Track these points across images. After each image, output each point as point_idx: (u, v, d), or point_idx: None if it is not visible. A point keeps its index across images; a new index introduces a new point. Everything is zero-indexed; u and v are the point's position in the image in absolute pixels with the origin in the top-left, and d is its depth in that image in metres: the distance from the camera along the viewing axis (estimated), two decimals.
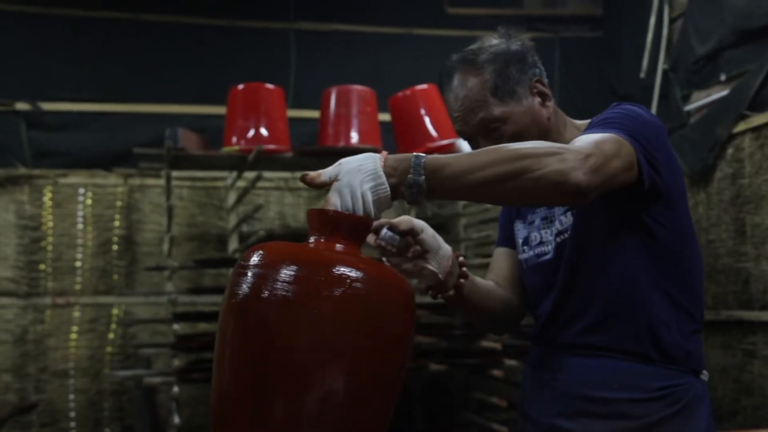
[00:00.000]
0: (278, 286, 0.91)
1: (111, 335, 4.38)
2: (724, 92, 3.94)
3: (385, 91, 3.97)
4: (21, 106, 4.45)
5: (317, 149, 3.71)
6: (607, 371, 1.21)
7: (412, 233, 1.14)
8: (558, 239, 1.27)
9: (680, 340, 1.22)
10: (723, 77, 3.97)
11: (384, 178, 0.98)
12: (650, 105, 4.49)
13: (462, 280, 1.23)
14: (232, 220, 4.31)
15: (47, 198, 4.41)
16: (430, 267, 1.15)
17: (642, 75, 4.61)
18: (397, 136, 4.00)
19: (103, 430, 4.31)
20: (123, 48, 4.65)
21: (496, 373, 3.70)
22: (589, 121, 1.28)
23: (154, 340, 4.21)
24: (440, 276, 1.17)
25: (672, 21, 4.53)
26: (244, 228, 4.38)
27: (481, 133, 1.25)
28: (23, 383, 4.25)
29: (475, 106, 1.25)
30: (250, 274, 0.95)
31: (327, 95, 3.82)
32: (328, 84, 3.90)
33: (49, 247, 4.37)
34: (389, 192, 0.99)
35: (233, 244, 4.30)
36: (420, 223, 1.15)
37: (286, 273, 0.91)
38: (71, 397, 4.29)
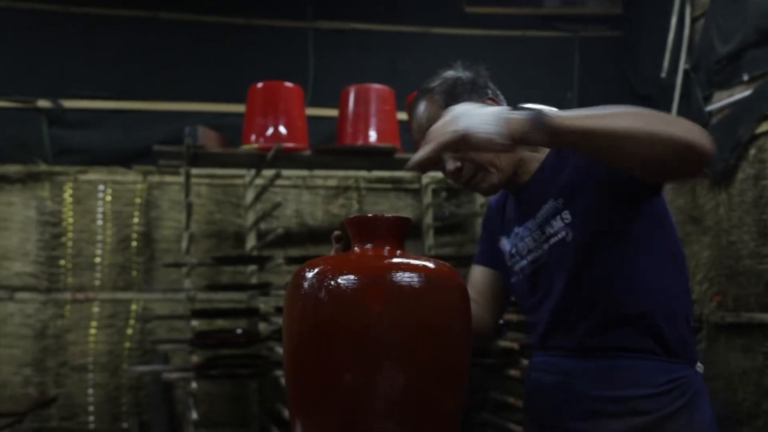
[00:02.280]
0: (337, 296, 0.94)
1: (129, 331, 4.42)
2: (747, 92, 3.89)
3: (403, 90, 3.97)
4: (42, 103, 4.49)
5: (336, 148, 3.72)
6: (616, 370, 1.24)
7: None
8: (552, 241, 1.28)
9: (680, 333, 1.26)
10: (746, 77, 3.92)
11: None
12: (671, 105, 4.45)
13: None
14: (250, 217, 4.33)
15: (68, 194, 4.45)
16: None
17: (663, 75, 4.57)
18: None
19: (120, 424, 4.34)
20: (143, 46, 4.68)
21: (513, 372, 3.69)
22: None
23: (171, 336, 4.24)
24: None
25: (693, 20, 4.49)
26: (262, 226, 4.40)
27: (445, 158, 1.30)
28: (43, 377, 4.29)
29: (431, 125, 1.25)
30: (307, 285, 0.98)
31: (345, 94, 3.82)
32: (347, 83, 3.90)
33: (69, 243, 4.41)
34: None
35: (251, 242, 4.32)
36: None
37: (345, 285, 0.94)
38: (90, 391, 4.33)
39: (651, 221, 1.25)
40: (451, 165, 1.29)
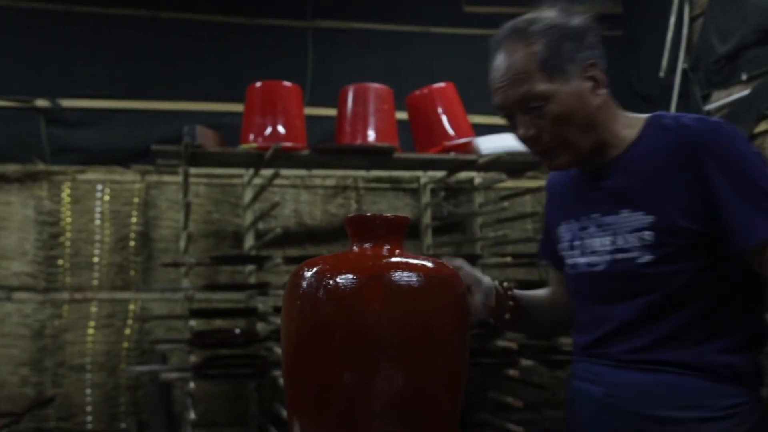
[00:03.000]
0: (336, 295, 0.93)
1: (127, 330, 4.41)
2: (745, 92, 3.89)
3: (402, 90, 3.96)
4: (41, 102, 4.48)
5: (334, 147, 3.71)
6: (672, 389, 1.12)
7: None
8: (617, 256, 1.16)
9: (747, 357, 1.14)
10: (744, 77, 3.93)
11: None
12: (669, 104, 4.45)
13: (511, 303, 1.25)
14: (249, 217, 4.33)
15: (66, 194, 4.44)
16: (477, 299, 1.17)
17: (662, 74, 4.57)
18: (415, 134, 3.99)
19: (119, 424, 4.33)
20: (142, 45, 4.67)
21: (512, 372, 3.68)
22: (645, 117, 1.21)
23: (170, 335, 4.24)
24: (490, 305, 1.19)
25: (692, 20, 4.49)
26: (260, 225, 4.39)
27: (522, 108, 1.16)
28: (41, 377, 4.28)
29: (519, 78, 1.15)
30: (305, 284, 0.97)
31: (344, 93, 3.82)
32: (346, 82, 3.90)
33: (67, 243, 4.40)
34: None
35: (249, 242, 4.31)
36: (457, 262, 1.16)
37: (343, 284, 0.93)
38: (88, 391, 4.32)
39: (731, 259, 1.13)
40: (525, 131, 1.16)
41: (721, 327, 1.13)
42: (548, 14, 1.19)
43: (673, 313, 1.13)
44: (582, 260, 1.23)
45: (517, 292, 1.30)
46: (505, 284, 1.26)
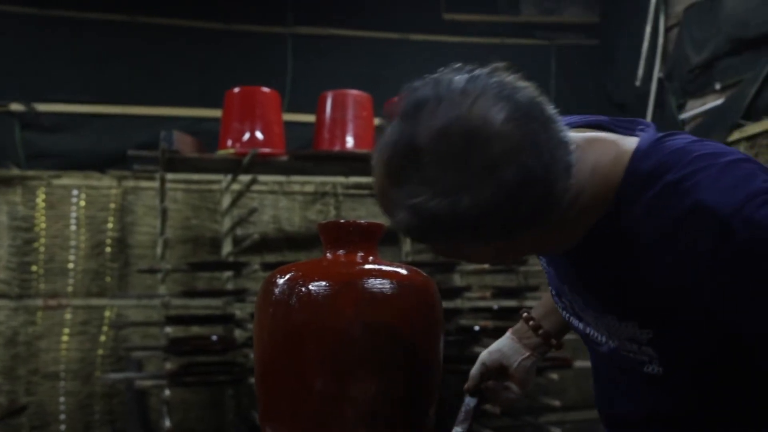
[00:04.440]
0: (308, 302, 0.93)
1: (103, 338, 4.36)
2: (719, 101, 3.95)
3: (381, 96, 3.95)
4: (15, 107, 4.43)
5: (312, 153, 3.71)
6: None
7: (484, 387, 1.20)
8: (620, 352, 0.92)
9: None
10: (718, 86, 3.99)
11: None
12: (645, 113, 4.50)
13: (553, 344, 1.22)
14: (227, 223, 4.30)
15: (40, 199, 4.38)
16: (513, 393, 1.19)
17: (638, 83, 4.63)
18: None
19: None
20: (119, 50, 4.64)
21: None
22: (628, 154, 0.81)
23: (146, 343, 4.19)
24: (527, 388, 1.21)
25: (668, 30, 4.55)
26: (239, 231, 4.37)
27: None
28: (13, 385, 4.21)
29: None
30: (277, 291, 0.96)
31: (323, 99, 3.82)
32: (325, 88, 3.90)
33: (42, 249, 4.35)
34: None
35: (227, 248, 4.29)
36: (476, 372, 1.21)
37: (316, 291, 0.93)
38: (62, 399, 4.26)
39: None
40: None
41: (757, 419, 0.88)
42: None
43: (685, 403, 0.90)
44: (576, 323, 0.99)
45: (537, 317, 1.22)
46: (527, 319, 1.22)
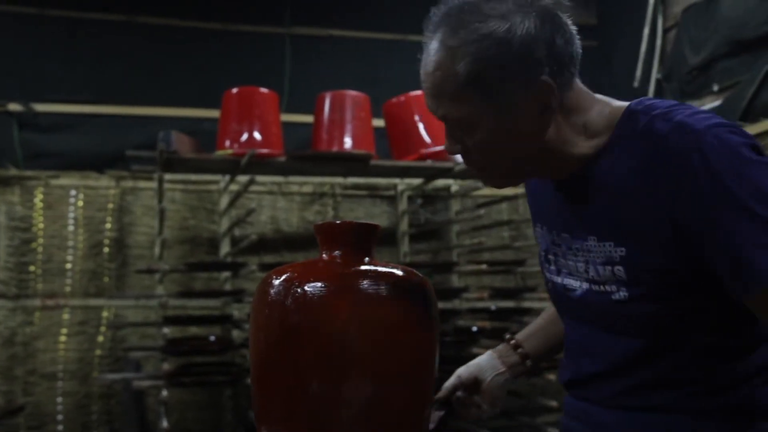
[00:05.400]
0: (304, 303, 0.93)
1: (100, 338, 4.35)
2: (717, 102, 3.96)
3: (379, 97, 3.97)
4: (13, 107, 4.43)
5: (310, 154, 3.71)
6: (661, 428, 0.99)
7: (452, 399, 1.24)
8: (593, 286, 1.01)
9: (742, 394, 0.98)
10: (716, 87, 4.00)
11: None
12: None
13: (525, 364, 1.26)
14: (224, 223, 4.30)
15: (38, 199, 4.38)
16: (482, 409, 1.23)
17: (635, 84, 4.63)
18: (391, 141, 4.00)
19: None
20: (117, 50, 4.63)
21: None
22: (618, 113, 0.98)
23: (143, 343, 4.19)
24: (497, 406, 1.24)
25: (666, 31, 4.56)
26: (236, 232, 4.37)
27: (446, 127, 1.00)
28: (11, 386, 4.21)
29: (439, 94, 0.96)
30: (273, 292, 0.96)
31: (321, 100, 3.82)
32: (323, 89, 3.90)
33: (40, 249, 4.34)
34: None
35: (225, 248, 4.29)
36: (450, 384, 1.24)
37: (312, 292, 0.93)
38: (59, 400, 4.26)
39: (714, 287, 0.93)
40: (448, 145, 1.00)
41: (712, 368, 0.97)
42: (492, 11, 0.91)
43: (657, 357, 0.98)
44: (558, 279, 1.08)
45: (519, 338, 1.28)
46: (509, 339, 1.27)
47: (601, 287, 0.99)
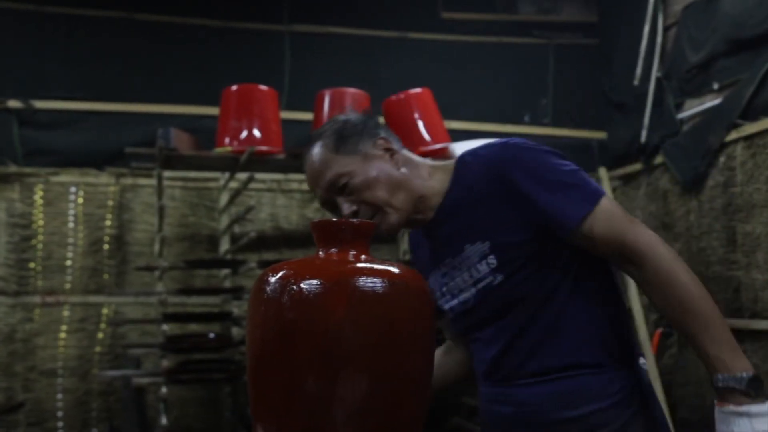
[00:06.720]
0: (300, 300, 0.93)
1: (100, 335, 4.36)
2: (717, 101, 3.95)
3: (378, 95, 3.97)
4: (13, 104, 4.42)
5: None
6: (572, 390, 1.23)
7: None
8: (479, 286, 1.27)
9: (618, 339, 1.27)
10: (715, 86, 3.99)
11: None
12: (644, 112, 4.50)
13: None
14: (224, 221, 4.30)
15: (38, 196, 4.38)
16: None
17: (635, 82, 4.62)
18: None
19: (90, 430, 4.28)
20: (117, 47, 4.63)
21: None
22: (451, 162, 1.35)
23: (143, 340, 4.19)
24: None
25: (666, 29, 4.55)
26: (236, 229, 4.37)
27: (336, 191, 1.30)
28: (10, 382, 4.22)
29: (323, 168, 1.31)
30: (269, 289, 0.96)
31: (320, 97, 3.81)
32: (322, 86, 3.89)
33: (40, 246, 4.35)
34: None
35: (225, 245, 4.29)
36: None
37: (307, 290, 0.93)
38: (59, 396, 4.27)
39: (579, 256, 1.25)
40: (347, 209, 1.28)
41: (589, 320, 1.25)
42: (338, 118, 1.37)
43: (542, 320, 1.24)
44: (455, 302, 1.32)
45: None
46: None
47: (484, 282, 1.25)
